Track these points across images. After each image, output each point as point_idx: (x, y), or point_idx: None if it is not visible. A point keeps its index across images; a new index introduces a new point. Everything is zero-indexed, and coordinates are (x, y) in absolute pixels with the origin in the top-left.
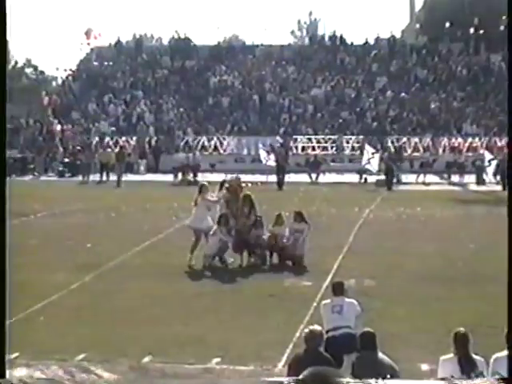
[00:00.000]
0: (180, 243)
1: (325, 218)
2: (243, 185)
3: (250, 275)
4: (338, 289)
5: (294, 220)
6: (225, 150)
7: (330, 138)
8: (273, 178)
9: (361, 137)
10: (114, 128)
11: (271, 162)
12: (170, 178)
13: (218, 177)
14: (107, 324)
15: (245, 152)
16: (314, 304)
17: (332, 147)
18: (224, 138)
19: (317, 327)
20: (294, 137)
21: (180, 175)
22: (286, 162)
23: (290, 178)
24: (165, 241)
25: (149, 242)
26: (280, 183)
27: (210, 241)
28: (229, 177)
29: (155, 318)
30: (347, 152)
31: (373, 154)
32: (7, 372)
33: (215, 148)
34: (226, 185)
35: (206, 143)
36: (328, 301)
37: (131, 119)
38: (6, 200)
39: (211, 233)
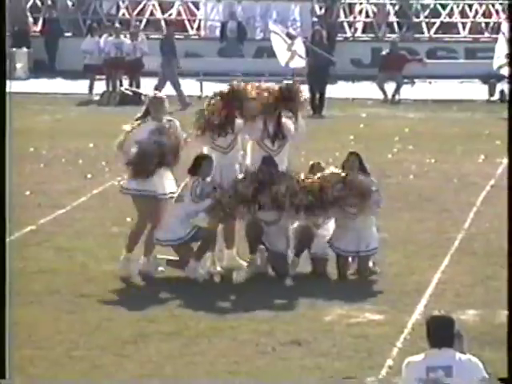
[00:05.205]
0: (101, 228)
1: (414, 177)
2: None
3: (253, 296)
4: (440, 333)
5: (349, 169)
6: (198, 29)
7: (423, 4)
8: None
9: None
10: None
11: (298, 60)
12: (80, 87)
13: (184, 86)
14: None
15: (237, 31)
16: (389, 362)
17: (429, 25)
18: (196, 3)
19: None
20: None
21: (103, 84)
22: (329, 56)
23: (336, 90)
24: (67, 223)
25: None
26: (317, 102)
27: (167, 217)
28: (208, 87)
29: None
30: (462, 35)
31: None
32: None
33: (178, 25)
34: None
35: (158, 14)
36: (419, 357)
37: None
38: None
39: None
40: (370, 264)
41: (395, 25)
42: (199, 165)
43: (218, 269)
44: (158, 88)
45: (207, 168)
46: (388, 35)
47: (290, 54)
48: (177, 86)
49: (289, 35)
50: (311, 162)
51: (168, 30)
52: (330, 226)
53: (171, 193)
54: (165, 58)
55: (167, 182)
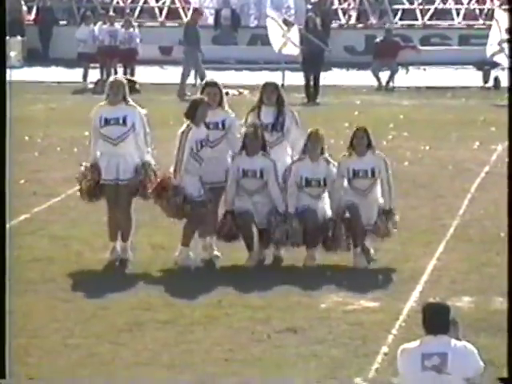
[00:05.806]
0: (96, 216)
1: (408, 163)
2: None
3: (248, 284)
4: (435, 320)
5: (353, 149)
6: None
7: None
8: (296, 77)
9: None
10: None
11: (291, 47)
12: (74, 76)
13: (175, 76)
14: None
15: (231, 19)
16: (384, 349)
17: (422, 11)
18: None
19: None
20: None
21: (97, 72)
22: (323, 45)
23: (330, 77)
24: (62, 212)
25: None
26: (311, 89)
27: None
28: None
29: None
30: (456, 21)
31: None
32: None
33: (170, 12)
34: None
35: (152, 2)
36: (414, 344)
37: None
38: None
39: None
40: (372, 251)
41: (389, 12)
42: (195, 109)
43: (216, 253)
44: (183, 76)
45: (202, 113)
46: (374, 22)
47: (284, 40)
48: (185, 76)
49: (285, 22)
50: (309, 130)
51: (192, 17)
52: (326, 198)
53: None
54: (187, 45)
55: None
